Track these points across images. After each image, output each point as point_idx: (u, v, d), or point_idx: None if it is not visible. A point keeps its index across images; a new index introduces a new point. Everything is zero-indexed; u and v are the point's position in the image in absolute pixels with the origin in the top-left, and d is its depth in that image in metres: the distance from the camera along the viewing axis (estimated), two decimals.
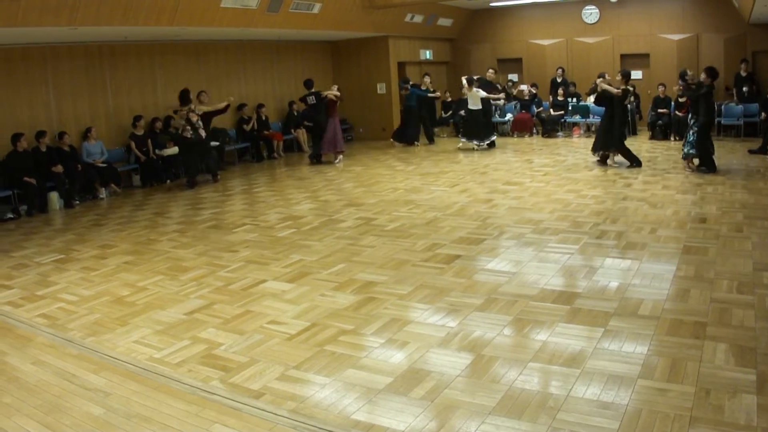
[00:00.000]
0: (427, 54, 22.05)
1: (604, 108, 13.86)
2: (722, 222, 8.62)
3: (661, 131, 17.39)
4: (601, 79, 14.25)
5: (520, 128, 19.53)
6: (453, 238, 8.58)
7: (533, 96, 19.74)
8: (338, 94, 16.52)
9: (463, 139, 17.91)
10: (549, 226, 8.82)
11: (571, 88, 19.45)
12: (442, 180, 12.96)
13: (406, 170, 14.65)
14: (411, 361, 5.00)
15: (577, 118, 19.01)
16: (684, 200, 9.95)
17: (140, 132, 14.69)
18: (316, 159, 16.76)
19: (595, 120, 18.65)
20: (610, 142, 13.66)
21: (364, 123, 20.94)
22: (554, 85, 19.74)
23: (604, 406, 4.11)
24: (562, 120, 19.26)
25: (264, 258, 8.30)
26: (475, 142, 17.49)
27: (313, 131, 17.17)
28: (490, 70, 18.76)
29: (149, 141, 14.81)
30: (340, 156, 16.71)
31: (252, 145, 17.86)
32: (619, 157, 13.74)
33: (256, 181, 14.67)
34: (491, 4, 21.05)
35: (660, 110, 17.52)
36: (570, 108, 19.14)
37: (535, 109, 19.64)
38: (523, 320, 5.64)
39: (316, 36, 19.17)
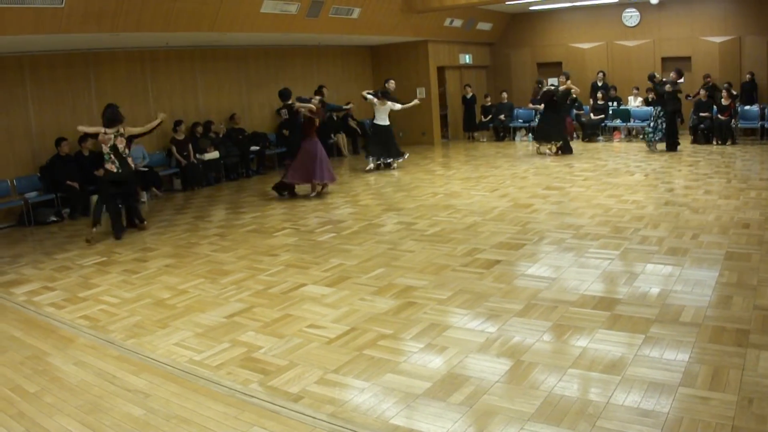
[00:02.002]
0: (467, 58, 22.04)
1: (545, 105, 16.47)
2: (766, 227, 8.48)
3: (703, 135, 17.12)
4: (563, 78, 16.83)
5: None
6: (493, 243, 8.55)
7: (573, 100, 19.61)
8: (314, 108, 13.01)
9: (379, 159, 16.24)
10: (589, 232, 8.75)
11: (612, 92, 19.30)
12: (482, 184, 12.93)
13: (446, 175, 14.65)
14: (450, 367, 4.99)
15: (617, 122, 18.83)
16: (726, 205, 9.81)
17: (181, 136, 14.85)
18: (281, 190, 13.47)
19: (635, 124, 18.53)
20: (557, 135, 16.44)
21: (404, 127, 20.96)
22: (594, 89, 19.58)
23: (644, 413, 4.07)
24: (603, 124, 19.11)
25: (304, 262, 8.34)
26: (388, 160, 16.18)
27: (287, 154, 14.65)
28: (391, 82, 16.55)
29: (190, 145, 14.96)
30: (325, 186, 13.42)
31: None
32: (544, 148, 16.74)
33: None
34: (531, 8, 20.97)
35: (702, 114, 17.22)
36: (611, 112, 18.97)
37: (574, 113, 19.50)
38: (563, 326, 5.60)
39: (356, 41, 19.26)
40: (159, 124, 11.38)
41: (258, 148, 16.56)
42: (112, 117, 10.41)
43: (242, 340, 5.91)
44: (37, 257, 9.74)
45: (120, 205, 10.96)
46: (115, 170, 10.42)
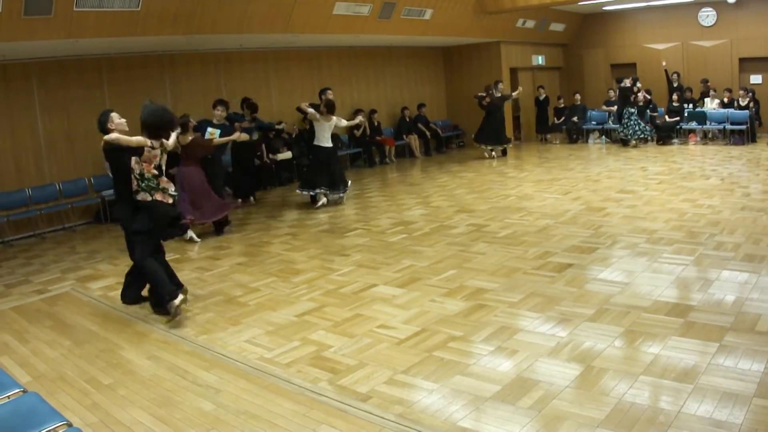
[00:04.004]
0: (539, 59, 21.88)
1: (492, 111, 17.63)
2: None
3: None
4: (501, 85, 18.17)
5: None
6: (565, 246, 8.50)
7: (648, 102, 19.29)
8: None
9: (303, 191, 12.76)
10: (663, 236, 8.62)
11: (687, 94, 18.92)
12: (555, 187, 12.84)
13: (518, 177, 14.55)
14: (519, 370, 5.00)
15: (693, 124, 18.46)
16: None
17: (255, 137, 15.02)
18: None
19: (712, 127, 18.13)
20: (504, 138, 18.09)
21: (475, 129, 20.88)
22: (670, 89, 19.21)
23: (717, 424, 4.01)
24: (678, 126, 18.75)
25: (375, 262, 8.42)
26: (325, 191, 12.59)
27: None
28: (329, 92, 13.20)
29: (263, 146, 15.13)
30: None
31: (364, 151, 18.07)
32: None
33: (368, 186, 14.84)
34: (604, 8, 20.70)
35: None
36: (686, 114, 18.60)
37: (649, 116, 19.18)
38: (635, 332, 5.55)
39: (428, 42, 19.29)
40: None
41: None
42: (161, 122, 7.03)
43: (312, 339, 6.00)
44: (112, 253, 10.01)
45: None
46: (170, 201, 6.96)
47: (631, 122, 18.30)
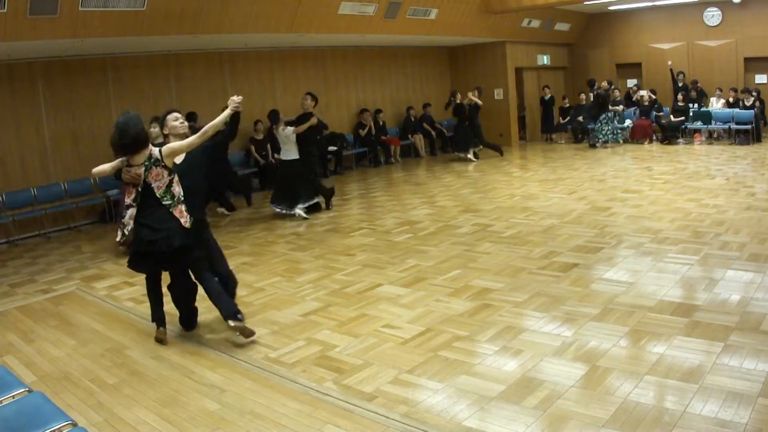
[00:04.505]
0: (545, 59, 21.86)
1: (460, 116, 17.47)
2: None
3: None
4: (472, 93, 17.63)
5: (640, 135, 19.06)
6: (570, 246, 8.49)
7: (653, 101, 19.26)
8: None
9: (275, 207, 11.84)
10: (668, 236, 8.61)
11: (692, 94, 18.87)
12: (560, 187, 12.81)
13: (523, 176, 14.55)
14: (524, 370, 5.00)
15: (698, 124, 18.41)
16: None
17: (260, 136, 15.06)
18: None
19: (717, 126, 18.09)
20: (471, 142, 17.69)
21: (483, 129, 20.86)
22: (676, 90, 19.17)
23: (722, 424, 4.00)
24: (683, 126, 18.71)
25: (380, 262, 8.42)
26: (298, 210, 11.66)
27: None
28: (306, 97, 11.75)
29: (268, 145, 15.14)
30: None
31: (369, 150, 18.07)
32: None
33: (374, 185, 14.84)
34: (610, 8, 20.68)
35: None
36: (691, 114, 18.56)
37: (654, 115, 19.15)
38: (640, 332, 5.54)
39: (433, 42, 19.28)
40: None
41: (336, 148, 16.70)
42: (134, 137, 5.71)
43: (318, 339, 6.01)
44: (117, 253, 9.99)
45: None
46: (145, 234, 5.78)
47: (608, 126, 18.78)
